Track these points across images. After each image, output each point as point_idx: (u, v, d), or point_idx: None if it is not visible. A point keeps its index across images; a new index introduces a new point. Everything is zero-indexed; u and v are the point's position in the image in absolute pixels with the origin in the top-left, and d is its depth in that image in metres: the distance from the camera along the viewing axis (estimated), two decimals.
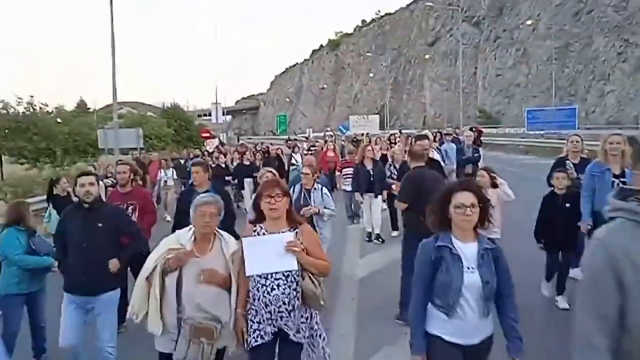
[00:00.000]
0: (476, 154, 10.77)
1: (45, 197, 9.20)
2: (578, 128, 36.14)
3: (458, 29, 61.21)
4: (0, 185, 17.26)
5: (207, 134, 35.96)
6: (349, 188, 10.49)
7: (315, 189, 6.55)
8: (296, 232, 3.36)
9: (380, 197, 9.61)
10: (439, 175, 6.29)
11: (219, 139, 39.45)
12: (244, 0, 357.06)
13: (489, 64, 62.66)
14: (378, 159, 10.47)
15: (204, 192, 5.17)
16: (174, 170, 13.96)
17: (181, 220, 4.81)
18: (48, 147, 22.14)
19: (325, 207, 6.49)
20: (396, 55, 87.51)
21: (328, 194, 6.62)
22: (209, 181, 5.87)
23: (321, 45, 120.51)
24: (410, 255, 5.16)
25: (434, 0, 67.17)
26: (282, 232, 3.36)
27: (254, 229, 3.43)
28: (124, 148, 21.01)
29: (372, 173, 9.53)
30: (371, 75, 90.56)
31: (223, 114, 58.25)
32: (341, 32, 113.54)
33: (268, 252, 3.27)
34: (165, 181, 13.52)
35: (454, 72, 61.59)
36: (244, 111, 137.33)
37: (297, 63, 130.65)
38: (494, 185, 6.01)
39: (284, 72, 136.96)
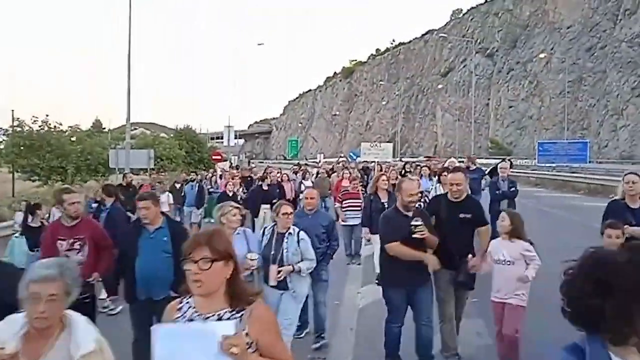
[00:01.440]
0: (512, 189, 9.72)
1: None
2: (590, 162, 35.92)
3: (471, 60, 61.66)
4: (10, 202, 17.45)
5: (219, 157, 36.27)
6: (351, 222, 9.63)
7: (290, 233, 5.17)
8: (240, 317, 2.09)
9: None
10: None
11: (230, 162, 39.71)
12: (260, 25, 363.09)
13: (502, 95, 62.84)
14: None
15: (157, 230, 4.77)
16: (170, 195, 12.70)
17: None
18: (60, 165, 22.40)
19: (302, 260, 5.14)
20: (409, 84, 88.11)
21: (306, 239, 5.22)
22: (162, 217, 4.94)
23: (335, 73, 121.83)
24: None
25: (448, 31, 67.88)
26: (218, 315, 2.11)
27: (179, 305, 2.22)
28: (135, 168, 21.28)
29: (386, 206, 7.95)
30: (383, 103, 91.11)
31: (235, 137, 58.63)
32: (355, 60, 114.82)
33: (190, 352, 1.97)
34: None
35: (466, 102, 61.77)
36: (256, 135, 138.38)
37: (310, 89, 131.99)
38: (516, 236, 4.86)
39: (297, 98, 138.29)
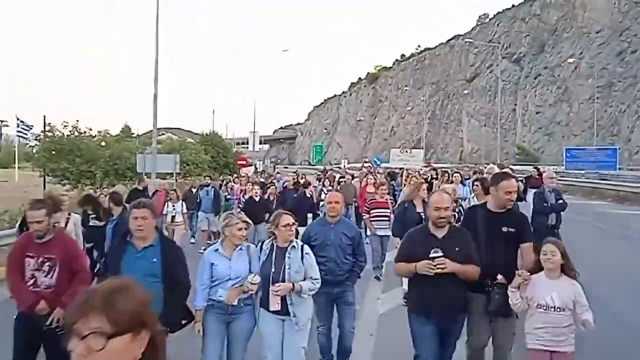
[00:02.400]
0: (560, 201, 8.64)
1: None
2: (619, 169, 35.17)
3: (497, 66, 60.98)
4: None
5: (244, 162, 36.65)
6: (382, 232, 9.21)
7: (293, 247, 4.45)
8: None
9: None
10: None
11: (255, 167, 40.06)
12: (285, 31, 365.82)
13: (529, 101, 61.96)
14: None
15: (146, 249, 4.01)
16: (184, 203, 11.72)
17: None
18: (89, 170, 22.90)
19: (305, 279, 4.41)
20: (434, 89, 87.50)
21: (311, 254, 4.53)
22: (155, 233, 4.16)
23: (359, 78, 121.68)
24: None
25: (474, 36, 67.23)
26: None
27: None
28: (161, 173, 21.69)
29: (423, 217, 7.18)
30: (408, 108, 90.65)
31: (260, 143, 59.25)
32: (380, 65, 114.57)
33: None
34: (173, 216, 11.20)
35: (493, 108, 61.06)
36: (281, 140, 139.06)
37: (335, 95, 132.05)
38: (564, 271, 4.12)
39: (322, 104, 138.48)
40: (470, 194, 9.53)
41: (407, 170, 16.50)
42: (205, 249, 10.20)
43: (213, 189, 13.22)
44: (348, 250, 5.14)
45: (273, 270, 4.36)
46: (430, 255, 4.06)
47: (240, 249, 4.45)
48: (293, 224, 4.48)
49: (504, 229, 4.42)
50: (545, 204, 8.45)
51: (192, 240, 13.63)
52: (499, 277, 4.26)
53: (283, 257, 4.39)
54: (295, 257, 4.40)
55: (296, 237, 4.60)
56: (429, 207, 4.54)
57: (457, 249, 4.17)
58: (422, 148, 70.16)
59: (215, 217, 12.23)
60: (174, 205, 11.30)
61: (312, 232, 5.30)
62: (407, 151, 17.61)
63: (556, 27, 62.00)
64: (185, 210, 11.55)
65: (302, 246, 4.52)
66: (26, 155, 44.34)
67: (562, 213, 8.55)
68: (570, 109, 55.16)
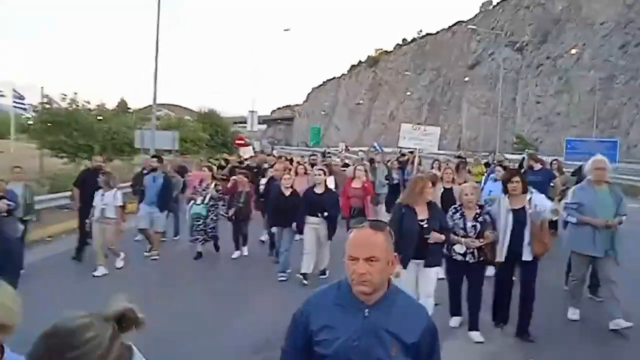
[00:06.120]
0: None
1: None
2: (618, 162, 35.16)
3: (500, 54, 60.60)
4: (39, 177, 17.73)
5: (242, 141, 36.21)
6: None
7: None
8: None
9: (436, 268, 5.76)
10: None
11: (253, 147, 39.70)
12: (286, 11, 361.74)
13: (530, 90, 61.74)
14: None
15: None
16: (119, 192, 8.55)
17: None
18: (87, 144, 22.65)
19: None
20: (435, 75, 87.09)
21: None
22: None
23: (360, 61, 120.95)
24: None
25: (477, 23, 66.67)
26: None
27: None
28: (160, 149, 21.45)
29: (424, 226, 5.59)
30: (408, 94, 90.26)
31: (258, 123, 58.76)
32: (381, 49, 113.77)
33: None
34: (103, 209, 8.31)
35: (493, 96, 60.84)
36: (278, 121, 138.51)
37: (334, 77, 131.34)
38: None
39: (321, 85, 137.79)
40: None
41: (418, 154, 13.01)
42: (158, 254, 9.06)
43: (163, 175, 9.86)
44: None
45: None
46: None
47: None
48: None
49: None
50: None
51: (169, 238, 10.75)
52: None
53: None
54: None
55: None
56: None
57: None
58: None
59: (162, 214, 9.59)
60: (102, 195, 8.36)
61: None
62: (420, 127, 13.24)
63: (560, 17, 61.53)
64: (120, 202, 8.41)
65: None
66: (21, 127, 43.93)
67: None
68: (570, 100, 55.00)
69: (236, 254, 9.50)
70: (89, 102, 25.16)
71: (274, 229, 8.79)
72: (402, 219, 5.45)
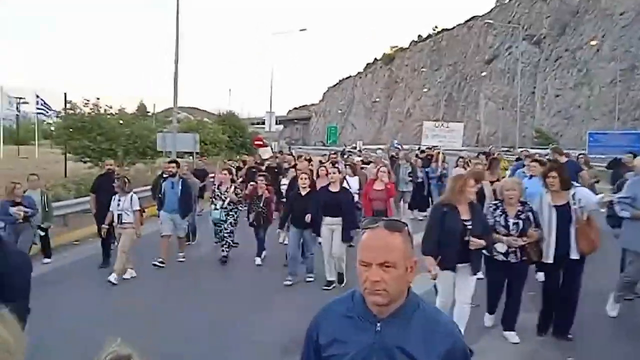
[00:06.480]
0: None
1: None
2: None
3: (517, 47, 59.97)
4: (64, 182, 18.00)
5: (260, 142, 36.39)
6: None
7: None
8: None
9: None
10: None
11: (271, 148, 39.84)
12: (301, 11, 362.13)
13: (549, 83, 61.00)
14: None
15: None
16: (135, 197, 8.43)
17: None
18: (110, 148, 22.94)
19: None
20: (451, 71, 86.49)
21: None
22: None
23: (375, 59, 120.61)
24: None
25: (493, 17, 66.06)
26: None
27: None
28: (181, 152, 21.66)
29: (468, 227, 5.18)
30: (425, 90, 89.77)
31: (276, 123, 58.94)
32: (396, 46, 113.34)
33: None
34: (120, 215, 8.26)
35: (511, 90, 60.28)
36: (295, 121, 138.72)
37: (350, 75, 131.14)
38: None
39: (337, 84, 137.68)
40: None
41: (441, 151, 12.96)
42: (184, 257, 9.33)
43: (181, 180, 9.49)
44: None
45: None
46: None
47: None
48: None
49: None
50: None
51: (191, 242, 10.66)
52: None
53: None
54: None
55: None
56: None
57: None
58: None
59: (184, 220, 9.48)
60: (119, 200, 8.25)
61: None
62: (443, 125, 13.39)
63: (578, 9, 60.68)
64: (137, 207, 8.30)
65: None
66: (44, 133, 44.64)
67: None
68: (590, 93, 54.22)
69: (257, 260, 9.23)
70: (110, 107, 25.50)
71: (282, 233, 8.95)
72: (444, 219, 5.07)
